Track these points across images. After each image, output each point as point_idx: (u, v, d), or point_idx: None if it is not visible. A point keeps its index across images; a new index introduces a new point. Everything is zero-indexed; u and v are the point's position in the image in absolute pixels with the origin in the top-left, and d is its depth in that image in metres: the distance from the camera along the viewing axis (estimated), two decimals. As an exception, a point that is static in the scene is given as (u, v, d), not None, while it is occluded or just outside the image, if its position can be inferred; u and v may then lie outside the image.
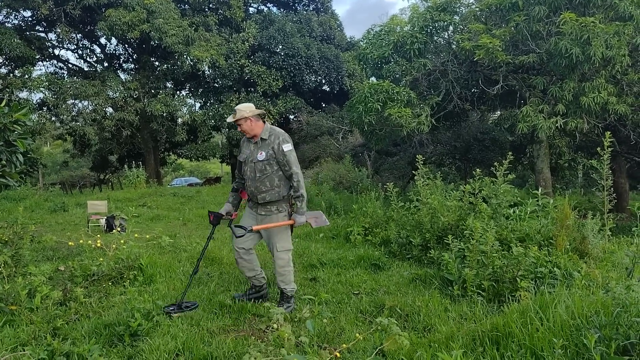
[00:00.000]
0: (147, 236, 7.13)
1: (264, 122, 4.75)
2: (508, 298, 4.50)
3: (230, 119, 4.75)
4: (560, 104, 11.17)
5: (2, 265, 4.65)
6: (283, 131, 4.79)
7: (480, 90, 13.38)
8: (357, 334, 3.35)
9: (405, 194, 11.03)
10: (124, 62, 29.50)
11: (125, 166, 22.33)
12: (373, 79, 15.27)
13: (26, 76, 23.38)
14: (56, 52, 27.36)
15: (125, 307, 4.48)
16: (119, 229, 7.75)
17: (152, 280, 5.57)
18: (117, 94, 23.87)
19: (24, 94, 24.14)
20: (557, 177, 16.35)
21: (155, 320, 4.15)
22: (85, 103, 23.19)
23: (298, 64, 26.13)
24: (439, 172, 8.25)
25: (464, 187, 6.87)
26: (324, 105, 31.27)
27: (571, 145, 16.75)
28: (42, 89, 22.90)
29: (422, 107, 12.60)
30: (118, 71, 27.88)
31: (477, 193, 6.70)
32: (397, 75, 13.48)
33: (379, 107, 11.98)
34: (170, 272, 5.88)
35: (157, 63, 26.81)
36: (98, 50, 28.80)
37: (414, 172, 7.88)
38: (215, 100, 27.13)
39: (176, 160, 38.17)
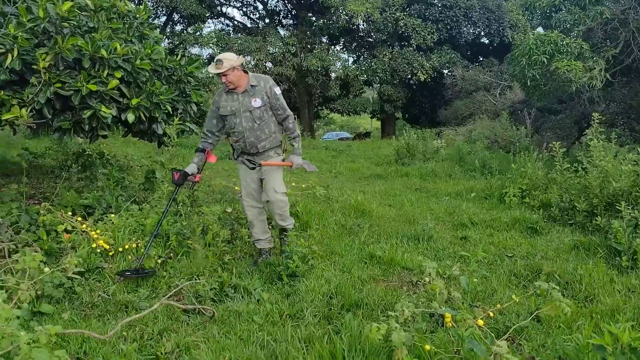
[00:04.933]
0: (303, 185, 7.49)
1: (245, 71, 4.50)
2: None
3: (215, 70, 4.28)
4: None
5: (181, 204, 5.22)
6: (267, 75, 4.66)
7: (669, 41, 11.62)
8: (513, 296, 3.24)
9: (572, 156, 10.16)
10: (284, 18, 30.61)
11: (282, 119, 23.34)
12: (539, 29, 14.04)
13: (197, 33, 25.48)
14: (223, 9, 29.31)
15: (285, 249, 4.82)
16: (277, 177, 8.22)
17: (307, 226, 5.89)
18: (277, 49, 24.98)
19: (195, 50, 26.42)
20: None
21: (310, 263, 4.42)
22: (248, 58, 24.61)
23: (456, 15, 24.91)
24: (613, 133, 7.41)
25: (642, 150, 6.15)
26: (481, 58, 29.61)
27: None
28: (211, 44, 24.81)
29: (595, 60, 11.34)
30: (278, 27, 29.05)
31: (658, 157, 5.99)
32: (568, 25, 12.20)
33: (545, 60, 11.02)
34: (323, 220, 6.15)
35: (313, 18, 27.39)
36: (260, 7, 30.27)
37: (586, 131, 7.20)
38: (368, 55, 27.10)
39: (329, 114, 39.16)
